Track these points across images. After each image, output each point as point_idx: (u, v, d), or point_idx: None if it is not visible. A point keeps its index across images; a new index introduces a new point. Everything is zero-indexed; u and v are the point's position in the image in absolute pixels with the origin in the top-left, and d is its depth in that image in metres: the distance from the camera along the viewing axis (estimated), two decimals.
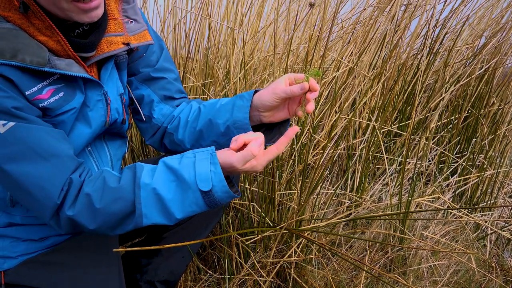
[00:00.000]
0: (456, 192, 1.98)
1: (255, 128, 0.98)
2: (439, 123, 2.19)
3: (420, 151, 2.01)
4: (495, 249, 1.77)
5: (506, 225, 1.85)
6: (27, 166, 0.77)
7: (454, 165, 2.11)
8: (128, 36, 0.93)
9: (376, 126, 1.69)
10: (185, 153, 0.84)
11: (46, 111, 0.83)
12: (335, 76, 1.65)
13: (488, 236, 1.75)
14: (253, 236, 1.40)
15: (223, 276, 1.44)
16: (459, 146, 2.17)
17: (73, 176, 0.80)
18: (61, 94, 0.84)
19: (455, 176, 2.04)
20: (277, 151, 0.86)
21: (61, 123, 0.86)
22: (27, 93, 0.78)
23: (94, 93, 0.90)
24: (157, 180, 0.81)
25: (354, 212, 1.73)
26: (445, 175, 2.03)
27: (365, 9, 2.01)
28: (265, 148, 0.87)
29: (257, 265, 1.38)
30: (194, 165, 0.81)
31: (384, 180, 1.92)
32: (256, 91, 0.96)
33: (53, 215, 0.80)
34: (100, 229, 0.82)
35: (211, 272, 1.48)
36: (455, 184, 2.00)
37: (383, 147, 1.71)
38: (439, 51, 2.04)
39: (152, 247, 0.87)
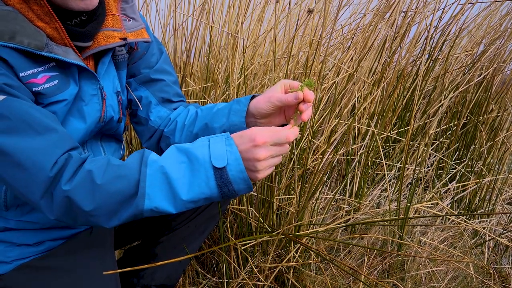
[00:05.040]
0: (455, 199, 1.99)
1: None
2: (438, 129, 2.20)
3: (419, 157, 2.02)
4: (493, 256, 1.77)
5: (504, 231, 1.85)
6: (19, 139, 0.73)
7: (452, 172, 2.11)
8: (125, 33, 0.94)
9: (376, 132, 1.69)
10: (198, 139, 0.82)
11: (38, 98, 0.81)
12: (335, 81, 1.66)
13: (486, 242, 1.75)
14: (251, 241, 1.40)
15: (221, 280, 1.44)
16: (457, 152, 2.17)
17: (72, 153, 0.77)
18: (56, 82, 0.83)
19: (453, 182, 2.05)
20: (286, 136, 0.79)
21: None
22: (21, 74, 0.77)
23: (90, 86, 0.90)
24: (166, 159, 0.77)
25: (352, 218, 1.73)
26: (443, 181, 2.03)
27: (365, 15, 2.02)
28: None
29: (255, 269, 1.38)
30: (209, 146, 0.77)
31: (383, 185, 1.92)
32: (253, 97, 0.96)
33: (44, 192, 0.74)
34: (97, 212, 0.76)
35: (209, 276, 1.48)
36: (453, 191, 2.00)
37: (382, 153, 1.71)
38: (438, 57, 2.05)
39: (146, 266, 0.82)
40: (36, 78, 0.80)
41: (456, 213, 1.94)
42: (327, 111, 1.68)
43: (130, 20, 0.97)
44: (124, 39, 0.92)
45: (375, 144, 1.75)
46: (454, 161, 2.14)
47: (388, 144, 2.06)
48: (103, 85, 0.93)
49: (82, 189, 0.74)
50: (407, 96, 1.99)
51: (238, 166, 0.76)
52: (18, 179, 0.75)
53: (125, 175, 0.75)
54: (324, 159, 1.48)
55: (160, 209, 0.77)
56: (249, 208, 1.45)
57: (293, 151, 1.49)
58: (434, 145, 2.19)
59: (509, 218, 1.94)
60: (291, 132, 0.80)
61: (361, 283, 1.37)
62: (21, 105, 0.75)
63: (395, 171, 2.00)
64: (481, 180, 1.96)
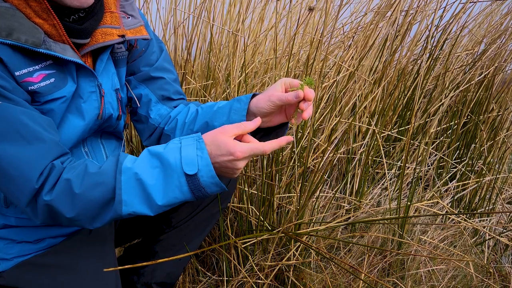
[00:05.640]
0: (455, 198, 1.99)
1: (252, 133, 0.98)
2: (439, 128, 2.20)
3: (420, 156, 2.02)
4: (493, 255, 1.77)
5: (504, 231, 1.85)
6: (8, 147, 0.74)
7: (453, 171, 2.11)
8: (124, 30, 0.93)
9: (376, 131, 1.69)
10: (171, 140, 0.83)
11: (35, 96, 0.81)
12: (335, 80, 1.66)
13: (486, 241, 1.75)
14: (251, 239, 1.40)
15: (221, 278, 1.44)
16: (458, 151, 2.17)
17: (55, 162, 0.78)
18: (52, 80, 0.83)
19: (454, 181, 2.05)
20: (263, 151, 0.81)
21: (51, 112, 0.85)
22: (17, 73, 0.77)
23: (88, 84, 0.90)
24: (140, 165, 0.78)
25: (353, 216, 1.73)
26: (444, 180, 2.03)
27: (366, 13, 2.02)
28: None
29: (255, 268, 1.38)
30: (180, 150, 0.78)
31: (383, 184, 1.92)
32: (254, 95, 0.96)
33: (30, 201, 0.76)
34: (78, 218, 0.78)
35: (209, 274, 1.48)
36: (453, 189, 2.00)
37: (382, 152, 1.71)
38: (439, 56, 2.05)
39: (146, 263, 0.85)
40: (32, 76, 0.80)
41: (456, 212, 1.94)
42: (327, 110, 1.67)
43: (129, 17, 0.96)
44: (123, 36, 0.92)
45: (375, 142, 1.75)
46: (454, 160, 2.14)
47: (388, 143, 2.06)
48: (101, 82, 0.93)
49: (62, 199, 0.76)
50: (408, 95, 1.99)
51: (209, 172, 0.77)
52: (5, 186, 0.78)
53: (102, 183, 0.77)
54: (325, 158, 1.48)
55: (138, 213, 0.79)
56: (249, 206, 1.45)
57: (294, 149, 1.49)
58: (435, 144, 2.19)
59: (509, 217, 1.94)
60: (268, 146, 0.81)
61: (361, 281, 1.37)
62: (13, 111, 0.75)
63: (395, 170, 2.00)
64: (481, 179, 1.96)
